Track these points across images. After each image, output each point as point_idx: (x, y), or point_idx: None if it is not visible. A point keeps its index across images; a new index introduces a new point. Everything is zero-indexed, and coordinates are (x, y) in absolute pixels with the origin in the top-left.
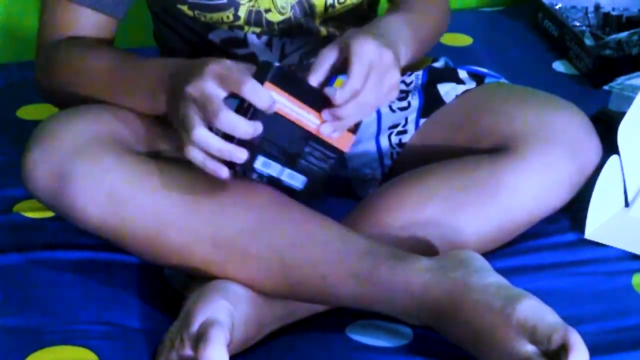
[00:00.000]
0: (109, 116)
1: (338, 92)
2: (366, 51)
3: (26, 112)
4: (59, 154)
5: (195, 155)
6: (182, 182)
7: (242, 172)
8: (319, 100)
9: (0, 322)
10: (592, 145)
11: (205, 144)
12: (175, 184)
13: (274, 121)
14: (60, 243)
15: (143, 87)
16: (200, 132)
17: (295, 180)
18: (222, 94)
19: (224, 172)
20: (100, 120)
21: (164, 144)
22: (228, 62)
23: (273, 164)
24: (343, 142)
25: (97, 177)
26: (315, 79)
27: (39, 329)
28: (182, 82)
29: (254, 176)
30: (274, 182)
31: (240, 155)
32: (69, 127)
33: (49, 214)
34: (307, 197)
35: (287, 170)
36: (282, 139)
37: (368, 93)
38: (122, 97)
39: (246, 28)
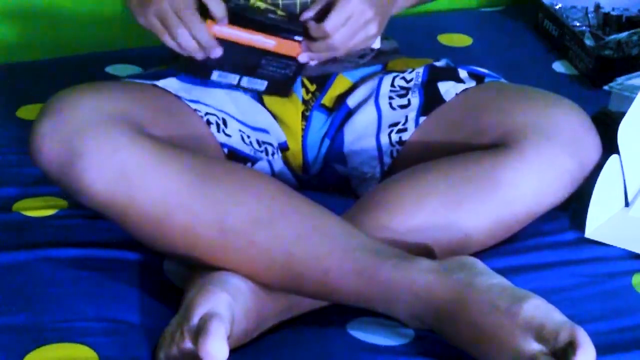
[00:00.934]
0: (123, 96)
1: (312, 28)
2: (350, 4)
3: (26, 112)
4: (71, 128)
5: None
6: (192, 167)
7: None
8: (262, 24)
9: (0, 319)
10: (591, 141)
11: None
12: (186, 168)
13: (227, 48)
14: (59, 241)
15: None
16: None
17: (256, 84)
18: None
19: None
20: (114, 99)
21: (177, 129)
22: None
23: (229, 75)
24: (295, 51)
25: (108, 153)
26: (307, 15)
27: (39, 326)
28: None
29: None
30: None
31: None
32: (82, 103)
33: (49, 213)
34: (275, 94)
35: (245, 78)
36: (235, 58)
37: (338, 39)
38: None
39: (251, 1)
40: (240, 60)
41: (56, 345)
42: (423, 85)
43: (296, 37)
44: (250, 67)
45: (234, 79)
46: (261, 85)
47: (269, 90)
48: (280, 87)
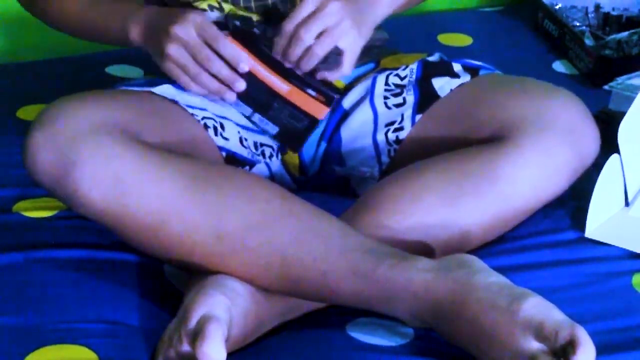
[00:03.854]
0: (118, 104)
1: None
2: (311, 1)
3: (26, 112)
4: (65, 138)
5: (175, 51)
6: (187, 173)
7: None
8: (280, 65)
9: (0, 320)
10: (589, 131)
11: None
12: (180, 175)
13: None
14: (59, 242)
15: (116, 24)
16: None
17: (268, 126)
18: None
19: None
20: (108, 108)
21: (173, 135)
22: (206, 15)
23: (242, 104)
24: (315, 110)
25: (102, 162)
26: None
27: (39, 327)
28: (166, 23)
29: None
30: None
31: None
32: (76, 112)
33: (49, 214)
34: (285, 143)
35: (258, 115)
36: (250, 88)
37: (302, 32)
38: (97, 32)
39: (226, 9)
40: (253, 92)
41: (56, 346)
42: (417, 82)
43: (309, 91)
44: (262, 104)
45: (246, 110)
46: (272, 129)
47: (280, 138)
48: (291, 139)
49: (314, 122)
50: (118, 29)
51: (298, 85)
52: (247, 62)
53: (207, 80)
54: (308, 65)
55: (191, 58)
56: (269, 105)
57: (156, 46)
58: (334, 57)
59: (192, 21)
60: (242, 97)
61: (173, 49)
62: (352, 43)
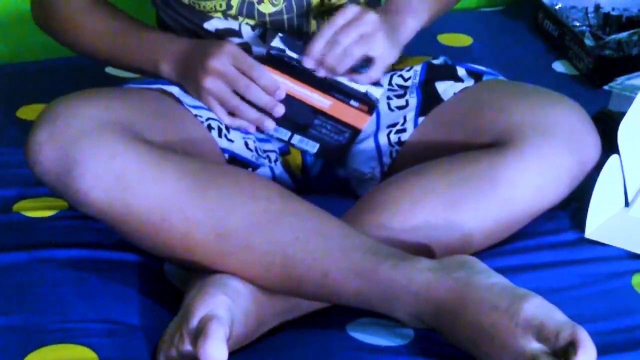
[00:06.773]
0: (121, 103)
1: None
2: (350, 10)
3: (26, 112)
4: (68, 136)
5: (212, 84)
6: (188, 172)
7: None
8: (318, 81)
9: (0, 320)
10: (590, 138)
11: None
12: (183, 173)
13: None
14: (59, 242)
15: (143, 56)
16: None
17: (308, 145)
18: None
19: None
20: (111, 106)
21: (176, 134)
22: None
23: (280, 129)
24: (357, 120)
25: (105, 160)
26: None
27: (39, 327)
28: (200, 56)
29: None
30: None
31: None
32: (79, 111)
33: (49, 213)
34: (326, 159)
35: (297, 136)
36: (289, 111)
37: (341, 37)
38: (120, 61)
39: (240, 19)
40: (292, 114)
41: (56, 346)
42: (421, 85)
43: (352, 102)
44: (302, 124)
45: (285, 134)
46: (313, 147)
47: (320, 154)
48: (332, 154)
49: (355, 133)
50: (146, 63)
51: (339, 97)
52: (283, 87)
53: (246, 110)
54: (343, 66)
55: (229, 89)
56: (310, 123)
57: (192, 80)
58: (362, 64)
59: (227, 52)
60: (280, 121)
61: (210, 82)
62: (384, 52)
